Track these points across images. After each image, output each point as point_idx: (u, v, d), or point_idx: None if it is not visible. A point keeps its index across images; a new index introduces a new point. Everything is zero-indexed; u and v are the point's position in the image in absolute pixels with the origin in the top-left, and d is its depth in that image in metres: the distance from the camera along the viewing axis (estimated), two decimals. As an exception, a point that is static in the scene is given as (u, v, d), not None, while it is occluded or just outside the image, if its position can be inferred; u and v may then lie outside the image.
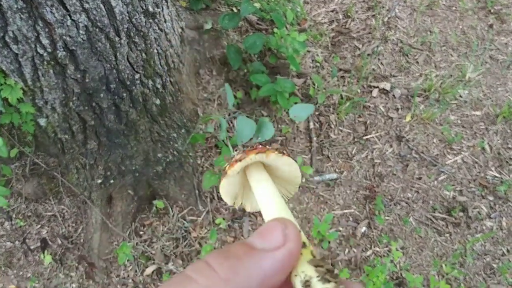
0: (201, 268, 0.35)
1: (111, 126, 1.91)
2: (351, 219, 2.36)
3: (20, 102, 1.80)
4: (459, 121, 2.71)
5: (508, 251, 2.29)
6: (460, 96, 2.80)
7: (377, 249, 2.27)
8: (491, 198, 2.43)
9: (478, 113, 2.74)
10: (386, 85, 2.79)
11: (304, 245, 0.40)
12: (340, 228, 2.31)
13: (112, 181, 2.06)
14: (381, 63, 2.94)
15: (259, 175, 0.52)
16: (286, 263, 0.37)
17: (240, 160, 0.50)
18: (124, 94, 1.86)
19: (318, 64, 2.86)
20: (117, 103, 1.86)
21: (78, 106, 1.81)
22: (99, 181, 2.04)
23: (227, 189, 0.55)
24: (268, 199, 0.48)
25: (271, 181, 0.51)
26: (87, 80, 1.73)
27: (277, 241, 0.37)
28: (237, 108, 2.55)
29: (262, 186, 0.50)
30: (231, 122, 2.48)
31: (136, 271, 2.12)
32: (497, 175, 2.50)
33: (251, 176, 0.52)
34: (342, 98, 2.68)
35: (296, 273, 0.37)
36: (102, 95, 1.80)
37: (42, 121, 1.90)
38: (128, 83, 1.84)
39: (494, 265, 2.26)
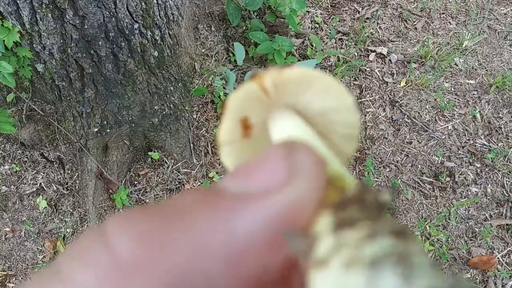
0: (93, 245, 0.19)
1: (108, 75, 1.92)
2: (341, 179, 2.41)
3: (18, 46, 1.80)
4: (452, 89, 2.74)
5: (490, 216, 2.37)
6: (456, 64, 2.82)
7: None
8: (478, 165, 2.49)
9: (472, 81, 2.77)
10: (383, 50, 2.80)
11: (331, 181, 0.23)
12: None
13: (108, 130, 2.09)
14: (380, 28, 2.94)
15: (280, 116, 0.30)
16: (288, 221, 0.19)
17: (223, 109, 0.30)
18: (123, 44, 1.87)
19: (317, 25, 2.85)
20: (115, 52, 1.87)
21: (76, 53, 1.81)
22: (96, 129, 2.07)
23: (234, 160, 0.33)
24: (287, 134, 0.28)
25: (299, 119, 0.30)
26: (85, 27, 1.73)
27: (273, 177, 0.20)
28: (234, 66, 2.56)
29: (281, 123, 0.30)
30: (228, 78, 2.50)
31: (129, 219, 2.17)
32: (486, 143, 2.56)
33: (271, 123, 0.31)
34: (339, 60, 2.69)
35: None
36: (100, 43, 1.81)
37: (40, 67, 1.91)
38: (127, 32, 1.84)
39: (476, 229, 2.34)
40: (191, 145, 2.27)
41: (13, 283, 2.08)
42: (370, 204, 0.20)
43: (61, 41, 1.77)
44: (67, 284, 0.18)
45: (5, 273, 2.05)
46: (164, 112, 2.16)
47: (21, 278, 2.08)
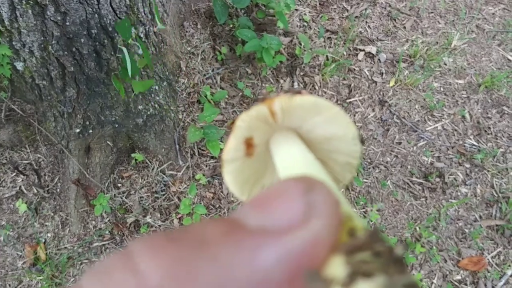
0: (119, 269, 0.18)
1: (91, 73, 1.85)
2: (330, 180, 2.37)
3: (-4, 43, 1.72)
4: (441, 89, 2.72)
5: (480, 217, 2.35)
6: (445, 64, 2.80)
7: (354, 210, 2.30)
8: (467, 165, 2.47)
9: (461, 81, 2.75)
10: (372, 49, 2.77)
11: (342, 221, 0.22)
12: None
13: (90, 131, 2.02)
14: (369, 27, 2.91)
15: (284, 139, 0.32)
16: (306, 259, 0.19)
17: (230, 128, 0.31)
18: (106, 41, 1.80)
19: (305, 24, 2.81)
20: (98, 50, 1.80)
21: (58, 51, 1.74)
22: (77, 130, 1.99)
23: (235, 177, 0.34)
24: (292, 160, 0.29)
25: (302, 144, 0.31)
26: (67, 24, 1.66)
27: (292, 214, 0.20)
28: (221, 64, 2.50)
29: (286, 148, 0.31)
30: (215, 78, 2.44)
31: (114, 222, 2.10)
32: (475, 143, 2.54)
33: (273, 144, 0.32)
34: (327, 59, 2.65)
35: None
36: (82, 40, 1.74)
37: (19, 65, 1.83)
38: (110, 29, 1.78)
39: (466, 230, 2.32)
40: (177, 146, 2.21)
41: (-8, 289, 2.00)
42: (383, 254, 0.19)
43: (42, 38, 1.70)
44: None
45: (-17, 280, 1.97)
46: (148, 112, 2.10)
47: (0, 284, 2.00)
